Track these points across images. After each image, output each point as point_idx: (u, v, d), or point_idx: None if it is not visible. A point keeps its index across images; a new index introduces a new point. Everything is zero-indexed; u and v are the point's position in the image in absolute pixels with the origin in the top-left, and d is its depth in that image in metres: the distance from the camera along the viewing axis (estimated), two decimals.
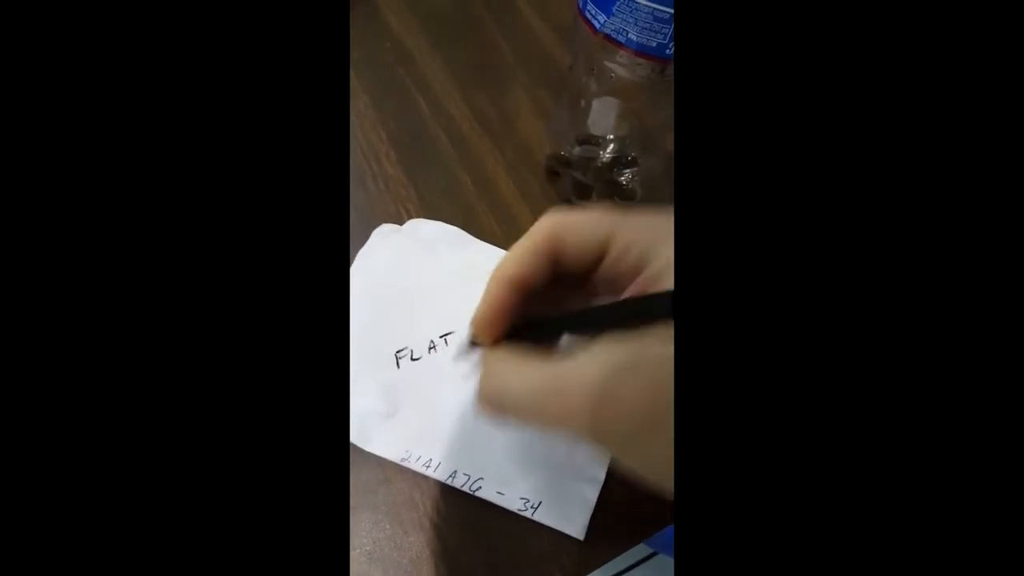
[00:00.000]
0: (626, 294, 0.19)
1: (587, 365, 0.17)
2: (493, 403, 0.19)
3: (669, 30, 0.24)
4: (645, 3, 0.24)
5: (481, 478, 0.27)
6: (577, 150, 0.35)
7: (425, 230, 0.34)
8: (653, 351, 0.16)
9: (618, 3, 0.24)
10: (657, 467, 0.17)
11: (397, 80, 0.41)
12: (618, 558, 0.26)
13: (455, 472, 0.27)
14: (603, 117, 0.32)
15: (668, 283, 0.17)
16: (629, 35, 0.25)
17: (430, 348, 0.30)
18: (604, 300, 0.20)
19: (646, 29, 0.24)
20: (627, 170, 0.36)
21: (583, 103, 0.32)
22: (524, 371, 0.19)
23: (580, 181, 0.35)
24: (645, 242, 0.18)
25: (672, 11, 0.23)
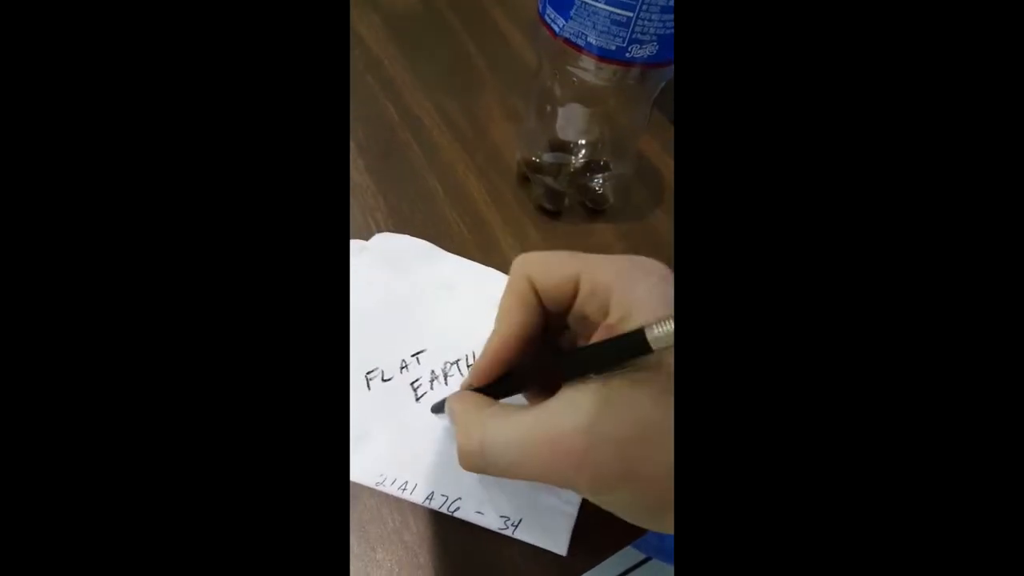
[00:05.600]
0: (594, 339, 0.19)
1: (568, 412, 0.17)
2: (476, 460, 0.19)
3: (627, 33, 0.24)
4: (602, 6, 0.23)
5: (459, 498, 0.26)
6: (548, 156, 0.35)
7: (393, 244, 0.33)
8: (623, 394, 0.17)
9: (576, 7, 0.24)
10: (641, 507, 0.18)
11: (365, 87, 0.41)
12: (611, 564, 0.26)
13: (432, 494, 0.26)
14: (571, 122, 0.32)
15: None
16: (588, 39, 0.24)
17: (401, 368, 0.29)
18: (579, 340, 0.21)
19: (604, 32, 0.24)
20: (599, 175, 0.35)
21: (549, 108, 0.31)
22: (504, 424, 0.19)
23: (552, 187, 0.35)
24: (608, 287, 0.19)
25: (631, 15, 0.23)
